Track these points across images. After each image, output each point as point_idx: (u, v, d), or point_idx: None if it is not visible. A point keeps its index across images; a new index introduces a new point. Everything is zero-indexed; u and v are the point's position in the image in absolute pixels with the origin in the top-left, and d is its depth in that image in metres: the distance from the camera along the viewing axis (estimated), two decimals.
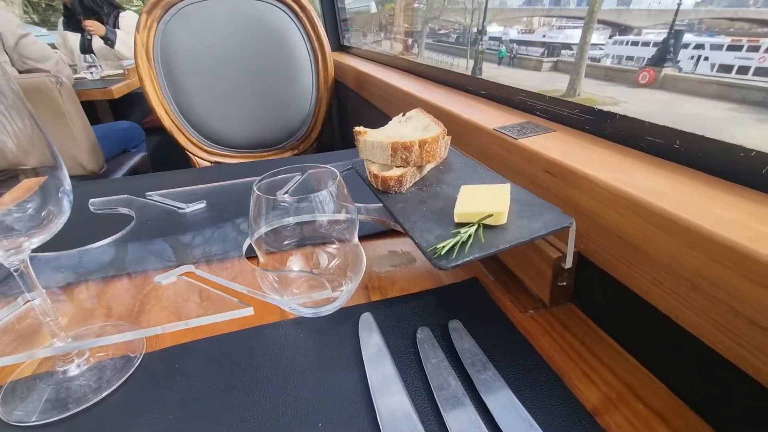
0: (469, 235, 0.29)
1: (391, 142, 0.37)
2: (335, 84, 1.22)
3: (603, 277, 0.32)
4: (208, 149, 1.18)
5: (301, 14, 1.14)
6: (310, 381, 0.30)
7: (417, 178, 0.40)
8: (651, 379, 0.29)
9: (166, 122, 1.11)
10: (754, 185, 0.27)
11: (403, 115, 0.46)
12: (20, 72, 1.43)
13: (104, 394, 0.30)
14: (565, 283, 0.36)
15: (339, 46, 1.59)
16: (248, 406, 0.28)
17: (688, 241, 0.24)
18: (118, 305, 0.35)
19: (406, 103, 0.71)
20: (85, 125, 1.37)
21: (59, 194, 0.26)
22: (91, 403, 0.29)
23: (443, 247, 0.28)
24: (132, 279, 0.37)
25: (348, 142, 1.49)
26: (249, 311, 0.29)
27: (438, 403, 0.28)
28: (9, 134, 0.23)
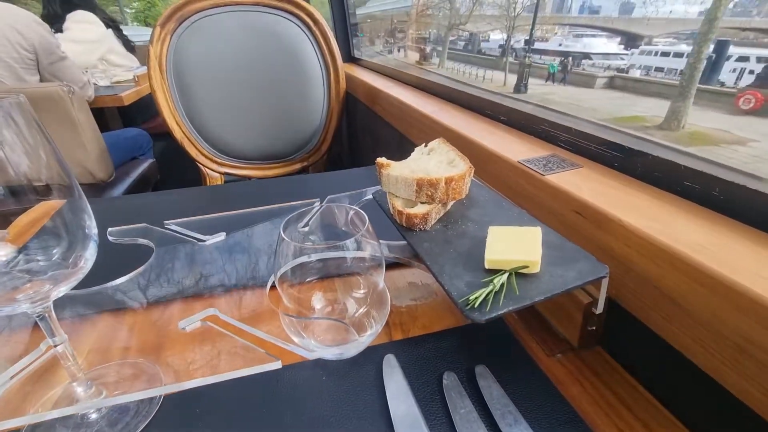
0: (502, 285, 0.28)
1: (416, 178, 0.37)
2: (346, 96, 1.22)
3: (635, 324, 0.31)
4: (218, 160, 1.18)
5: (314, 27, 1.14)
6: (334, 424, 0.29)
7: (441, 214, 0.39)
8: (678, 428, 0.28)
9: (177, 133, 1.11)
10: None
11: (426, 145, 0.45)
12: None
13: None
14: (594, 328, 0.35)
15: (350, 58, 1.60)
16: None
17: (735, 303, 0.23)
18: (139, 341, 0.34)
19: (421, 123, 0.70)
20: (95, 134, 1.37)
21: (87, 248, 0.25)
22: None
23: (476, 298, 0.28)
24: (153, 313, 0.37)
25: (356, 154, 1.49)
26: (277, 365, 0.29)
27: None
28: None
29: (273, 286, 0.40)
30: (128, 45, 2.13)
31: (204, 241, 0.43)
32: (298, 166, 1.23)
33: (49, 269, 0.25)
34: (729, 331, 0.24)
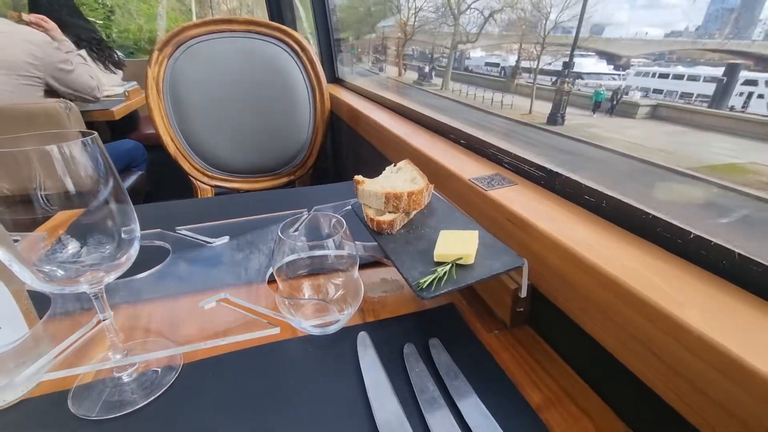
0: (445, 272, 0.38)
1: (384, 192, 0.47)
2: (330, 115, 1.32)
3: (550, 305, 0.41)
4: (210, 174, 1.26)
5: (301, 53, 1.24)
6: (319, 387, 0.38)
7: (405, 221, 0.49)
8: (583, 386, 0.38)
9: (171, 149, 1.19)
10: (656, 242, 0.37)
11: (395, 165, 0.55)
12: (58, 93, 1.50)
13: (151, 398, 0.37)
14: (522, 309, 0.45)
15: (334, 79, 1.71)
16: (270, 408, 0.36)
17: (602, 283, 0.33)
18: (163, 324, 0.42)
19: (396, 144, 0.80)
20: None
21: (132, 246, 0.34)
22: (139, 406, 0.36)
23: (425, 281, 0.37)
24: (175, 301, 0.45)
25: (340, 169, 1.59)
26: (276, 330, 0.38)
27: (420, 404, 0.36)
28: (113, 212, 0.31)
29: (270, 280, 0.49)
30: (113, 60, 2.17)
31: (211, 243, 0.52)
32: (285, 179, 1.32)
33: (103, 261, 0.34)
34: (599, 303, 0.34)
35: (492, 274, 0.38)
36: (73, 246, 0.33)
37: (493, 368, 0.40)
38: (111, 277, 0.34)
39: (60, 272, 0.33)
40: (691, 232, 0.33)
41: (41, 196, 0.30)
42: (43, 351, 0.38)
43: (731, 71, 0.59)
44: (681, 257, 0.34)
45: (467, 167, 0.58)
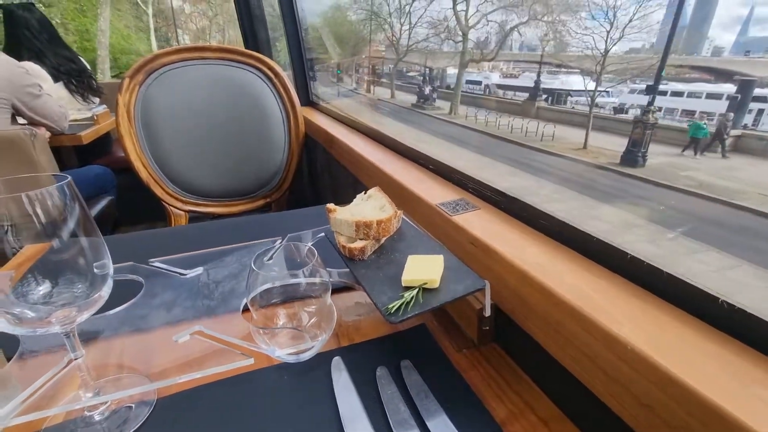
0: (412, 297, 0.40)
1: (355, 220, 0.49)
2: (305, 138, 1.34)
3: (512, 323, 0.44)
4: (183, 199, 1.25)
5: (274, 79, 1.27)
6: (294, 414, 0.39)
7: (376, 247, 0.51)
8: (542, 397, 0.41)
9: (143, 174, 1.18)
10: (598, 260, 0.41)
11: (365, 193, 0.57)
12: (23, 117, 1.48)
13: None
14: (487, 328, 0.47)
15: (308, 101, 1.74)
16: None
17: (552, 301, 0.37)
18: (137, 359, 0.43)
19: (368, 169, 0.83)
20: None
21: (105, 284, 0.34)
22: None
23: (393, 306, 0.39)
24: (148, 335, 0.45)
25: (317, 192, 1.61)
26: (250, 361, 0.39)
27: (391, 425, 0.37)
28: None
29: (245, 309, 0.49)
30: (92, 89, 2.13)
31: (185, 274, 0.52)
32: (261, 202, 1.33)
33: (76, 300, 0.34)
34: (551, 319, 0.37)
35: (456, 297, 0.41)
36: (44, 286, 0.33)
37: (461, 386, 0.42)
38: (84, 316, 0.35)
39: (30, 314, 0.33)
40: (627, 253, 0.37)
41: (10, 232, 0.31)
42: (10, 394, 0.37)
43: None
44: (620, 275, 0.38)
45: (435, 192, 0.62)
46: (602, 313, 0.33)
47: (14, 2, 1.97)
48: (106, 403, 0.39)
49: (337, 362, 0.45)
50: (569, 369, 0.36)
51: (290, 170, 1.32)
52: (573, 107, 0.90)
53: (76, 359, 0.35)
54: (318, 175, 1.52)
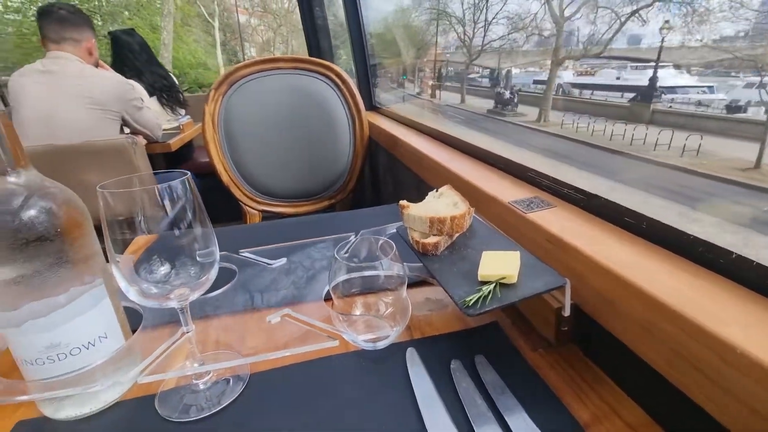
0: (489, 291, 0.41)
1: (428, 216, 0.50)
2: (369, 141, 1.39)
3: (594, 324, 0.43)
4: (258, 199, 1.35)
5: (341, 86, 1.33)
6: (372, 397, 0.41)
7: (448, 243, 0.52)
8: (628, 401, 0.39)
9: (224, 177, 1.29)
10: (698, 261, 0.38)
11: (437, 191, 0.58)
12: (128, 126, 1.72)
13: (223, 405, 0.41)
14: (566, 328, 0.46)
15: (371, 106, 1.79)
16: (328, 416, 0.39)
17: (643, 301, 0.35)
18: (232, 337, 0.48)
19: (435, 170, 0.84)
20: (151, 179, 1.58)
21: (213, 268, 0.39)
22: (213, 411, 0.41)
23: (471, 299, 0.40)
24: (241, 317, 0.50)
25: (377, 192, 1.65)
26: (335, 343, 0.41)
27: (470, 417, 0.38)
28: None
29: (326, 298, 0.53)
30: (179, 102, 2.38)
31: (271, 264, 0.57)
32: (326, 203, 1.39)
33: (189, 281, 0.39)
34: (640, 319, 0.35)
35: (535, 292, 0.40)
36: (164, 267, 0.39)
37: (539, 385, 0.41)
38: (195, 295, 0.40)
39: (154, 290, 0.39)
40: (732, 252, 0.34)
41: (142, 221, 0.36)
42: (134, 360, 0.43)
43: None
44: (723, 276, 0.35)
45: (506, 190, 0.61)
46: (704, 313, 0.31)
47: (120, 29, 2.27)
48: (209, 373, 0.43)
49: (411, 353, 0.46)
50: (662, 372, 0.34)
51: (354, 172, 1.37)
52: (670, 107, 0.74)
53: (187, 332, 0.40)
54: (380, 177, 1.55)
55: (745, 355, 0.27)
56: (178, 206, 0.37)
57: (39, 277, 0.34)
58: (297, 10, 2.10)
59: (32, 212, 0.34)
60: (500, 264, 0.43)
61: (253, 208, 1.34)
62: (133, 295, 0.37)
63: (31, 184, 0.35)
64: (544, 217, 0.50)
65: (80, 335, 0.37)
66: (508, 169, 0.69)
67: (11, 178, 0.34)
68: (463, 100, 1.48)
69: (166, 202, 0.36)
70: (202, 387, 0.43)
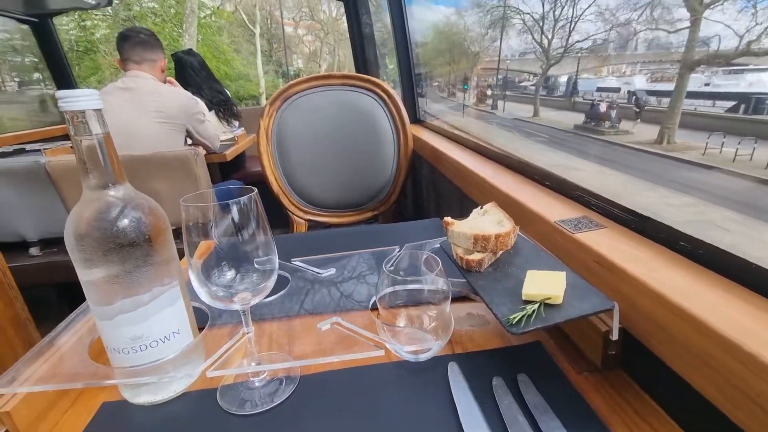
0: (534, 310, 0.41)
1: (473, 233, 0.51)
2: (413, 154, 1.41)
3: (643, 349, 0.42)
4: (304, 209, 1.41)
5: (387, 100, 1.37)
6: (414, 409, 0.42)
7: (492, 260, 0.52)
8: (678, 430, 0.37)
9: (275, 187, 1.37)
10: (758, 290, 0.36)
11: (481, 208, 0.59)
12: (191, 138, 1.88)
13: (276, 402, 0.45)
14: (614, 352, 0.45)
15: (415, 119, 1.82)
16: (372, 423, 0.41)
17: (697, 329, 0.34)
18: (284, 341, 0.51)
19: (479, 185, 0.85)
20: (208, 185, 1.70)
21: (272, 275, 0.43)
22: (267, 408, 0.44)
23: (515, 317, 0.41)
24: (293, 321, 0.54)
25: (419, 205, 1.66)
26: (381, 353, 0.44)
27: None
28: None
29: (372, 308, 0.55)
30: (233, 114, 2.55)
31: (321, 273, 0.61)
32: (369, 214, 1.43)
33: (251, 287, 0.43)
34: (695, 348, 0.34)
35: (581, 314, 0.40)
36: (230, 273, 0.43)
37: (583, 408, 0.41)
38: (256, 299, 0.44)
39: (221, 293, 0.43)
40: None
41: (213, 228, 0.41)
42: (201, 354, 0.48)
43: None
44: None
45: (553, 209, 0.61)
46: (764, 345, 0.30)
47: (181, 51, 2.49)
48: (264, 372, 0.47)
49: (453, 367, 0.47)
50: (716, 403, 0.33)
51: (398, 185, 1.40)
52: None
53: (248, 333, 0.44)
54: (422, 190, 1.57)
55: None
56: (245, 218, 0.41)
57: (129, 277, 0.40)
58: (344, 18, 2.18)
59: (126, 221, 0.39)
60: (545, 283, 0.44)
61: (300, 218, 1.41)
62: (204, 296, 0.42)
63: (126, 197, 0.41)
64: (593, 238, 0.50)
65: (159, 330, 0.42)
66: (555, 186, 0.68)
67: (111, 192, 0.39)
68: (536, 113, 1.29)
69: (235, 215, 0.40)
70: (257, 384, 0.47)
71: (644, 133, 0.90)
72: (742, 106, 0.72)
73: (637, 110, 0.95)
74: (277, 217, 1.47)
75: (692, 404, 0.36)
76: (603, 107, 1.03)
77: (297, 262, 0.64)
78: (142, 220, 0.41)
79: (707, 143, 0.76)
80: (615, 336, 0.43)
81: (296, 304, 0.56)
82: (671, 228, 0.45)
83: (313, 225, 1.44)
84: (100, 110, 0.38)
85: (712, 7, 0.70)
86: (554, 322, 0.40)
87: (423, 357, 0.48)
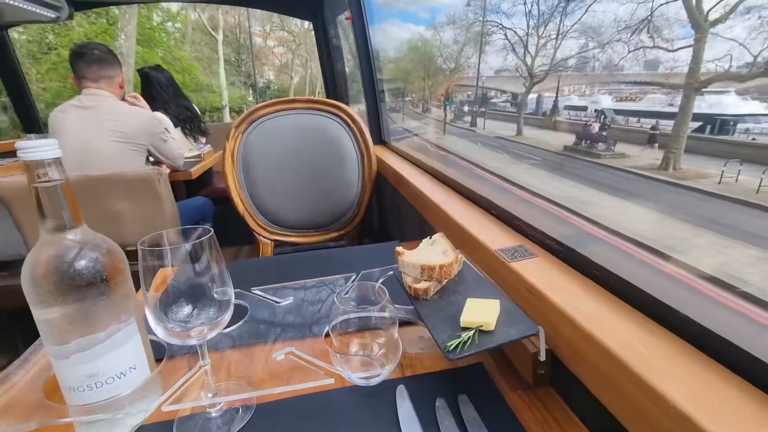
0: (469, 337, 0.46)
1: (420, 263, 0.56)
2: (377, 176, 1.46)
3: (566, 368, 0.47)
4: (270, 230, 1.42)
5: (352, 125, 1.42)
6: (363, 430, 0.46)
7: (438, 288, 0.57)
8: None
9: (240, 208, 1.37)
10: (647, 313, 0.43)
11: (430, 238, 0.64)
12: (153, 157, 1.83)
13: (234, 431, 0.47)
14: (542, 372, 0.50)
15: (380, 140, 1.88)
16: None
17: (601, 353, 0.40)
18: (241, 370, 0.53)
19: (433, 209, 0.90)
20: (172, 205, 1.68)
21: (228, 309, 0.45)
22: None
23: (452, 344, 0.45)
24: (250, 351, 0.56)
25: (385, 226, 1.71)
26: (331, 381, 0.47)
27: None
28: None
29: (326, 335, 0.58)
30: (201, 131, 2.52)
31: (279, 302, 0.63)
32: (334, 234, 1.46)
33: (207, 321, 0.46)
34: (601, 368, 0.40)
35: (509, 340, 0.45)
36: (187, 308, 0.45)
37: (514, 426, 0.46)
38: (213, 333, 0.46)
39: (177, 328, 0.45)
40: (677, 310, 0.39)
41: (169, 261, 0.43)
42: (157, 387, 0.49)
43: None
44: (669, 330, 0.40)
45: (496, 237, 0.67)
46: (648, 367, 0.35)
47: (148, 66, 2.45)
48: (221, 403, 0.49)
49: (401, 390, 0.51)
50: (618, 418, 0.38)
51: (362, 206, 1.44)
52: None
53: (204, 366, 0.46)
54: (387, 211, 1.62)
55: (677, 409, 0.31)
56: (201, 257, 0.44)
57: (86, 316, 0.41)
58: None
59: (83, 263, 0.41)
60: (481, 311, 0.49)
61: (266, 238, 1.42)
62: (161, 333, 0.44)
63: (83, 239, 0.42)
64: (526, 267, 0.56)
65: (115, 366, 0.43)
66: (498, 214, 0.74)
67: (69, 235, 0.41)
68: (519, 132, 1.22)
69: (191, 255, 0.43)
70: (214, 415, 0.49)
71: (642, 156, 0.86)
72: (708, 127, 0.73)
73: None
74: (244, 234, 1.48)
75: (605, 421, 0.42)
76: (595, 127, 0.99)
77: (256, 292, 0.66)
78: (99, 261, 0.42)
79: (723, 171, 0.69)
80: (542, 357, 0.48)
81: (254, 334, 0.59)
82: (588, 258, 0.52)
83: (279, 244, 1.45)
84: (59, 158, 0.40)
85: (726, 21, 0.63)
86: (486, 348, 0.44)
87: (373, 381, 0.51)
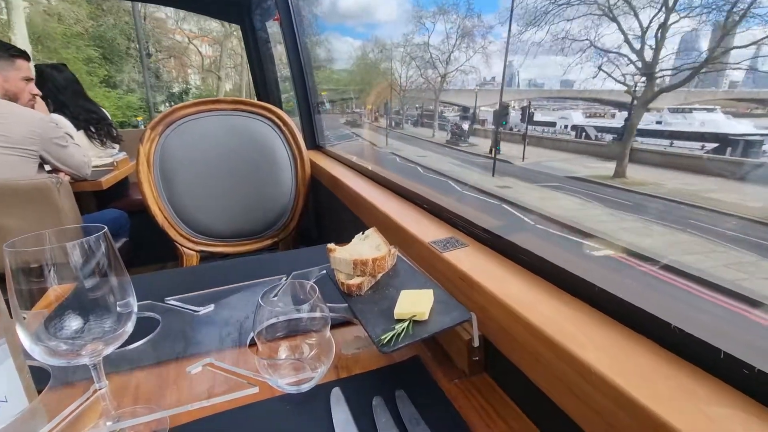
0: (403, 329, 0.44)
1: (353, 259, 0.54)
2: (311, 180, 1.42)
3: (498, 353, 0.47)
4: (195, 240, 1.31)
5: (283, 127, 1.37)
6: None
7: (372, 283, 0.55)
8: (529, 425, 0.43)
9: (159, 218, 1.25)
10: (569, 290, 0.45)
11: (363, 233, 0.62)
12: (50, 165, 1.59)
13: None
14: (477, 358, 0.50)
15: (314, 145, 1.84)
16: None
17: (529, 330, 0.40)
18: (152, 390, 0.46)
19: (368, 209, 0.89)
20: (76, 218, 1.48)
21: (130, 320, 0.39)
22: None
23: (385, 337, 0.43)
24: (164, 368, 0.49)
25: (322, 230, 1.67)
26: (255, 390, 0.42)
27: None
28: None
29: (252, 343, 0.53)
30: (111, 136, 2.28)
31: (198, 311, 0.57)
32: (269, 241, 1.38)
33: (104, 335, 0.39)
34: (530, 347, 0.40)
35: (443, 327, 0.44)
36: (77, 322, 0.38)
37: (451, 415, 0.45)
38: (110, 349, 0.39)
39: (64, 347, 0.38)
40: (595, 285, 0.41)
41: (53, 273, 0.36)
42: (39, 424, 0.41)
43: None
44: (591, 306, 0.42)
45: (428, 230, 0.67)
46: (571, 339, 0.36)
47: (48, 63, 2.18)
48: (124, 430, 0.42)
49: (336, 393, 0.48)
50: (549, 395, 0.39)
51: (297, 211, 1.38)
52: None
53: (100, 389, 0.40)
54: (323, 215, 1.58)
55: (599, 375, 0.32)
56: (93, 262, 0.37)
57: None
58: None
59: None
60: (414, 302, 0.47)
61: (191, 249, 1.30)
62: (38, 354, 0.36)
63: None
64: (457, 256, 0.56)
65: None
66: (431, 209, 0.75)
67: None
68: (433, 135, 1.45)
69: (78, 259, 0.36)
70: None
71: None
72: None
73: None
74: (167, 249, 1.34)
75: (536, 399, 0.42)
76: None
77: (171, 301, 0.59)
78: None
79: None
80: (476, 343, 0.48)
81: (167, 349, 0.52)
82: (514, 244, 0.53)
83: (206, 256, 1.34)
84: None
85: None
86: (420, 338, 0.43)
87: (305, 387, 0.47)
